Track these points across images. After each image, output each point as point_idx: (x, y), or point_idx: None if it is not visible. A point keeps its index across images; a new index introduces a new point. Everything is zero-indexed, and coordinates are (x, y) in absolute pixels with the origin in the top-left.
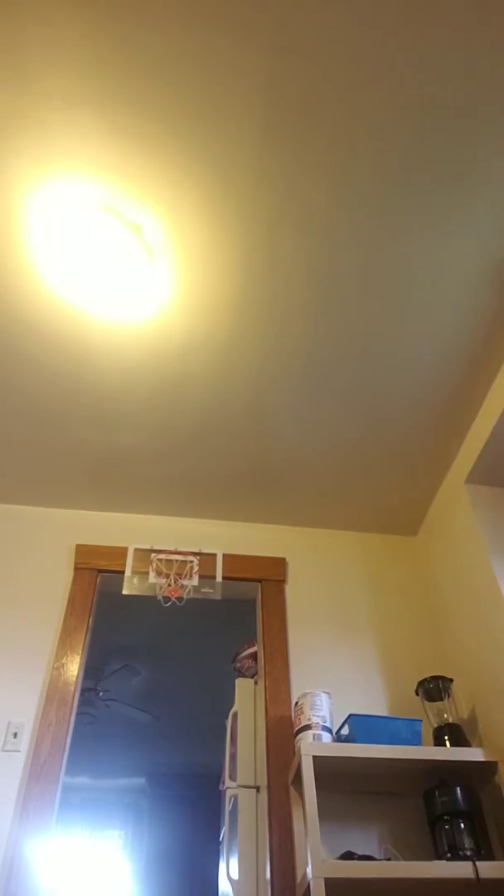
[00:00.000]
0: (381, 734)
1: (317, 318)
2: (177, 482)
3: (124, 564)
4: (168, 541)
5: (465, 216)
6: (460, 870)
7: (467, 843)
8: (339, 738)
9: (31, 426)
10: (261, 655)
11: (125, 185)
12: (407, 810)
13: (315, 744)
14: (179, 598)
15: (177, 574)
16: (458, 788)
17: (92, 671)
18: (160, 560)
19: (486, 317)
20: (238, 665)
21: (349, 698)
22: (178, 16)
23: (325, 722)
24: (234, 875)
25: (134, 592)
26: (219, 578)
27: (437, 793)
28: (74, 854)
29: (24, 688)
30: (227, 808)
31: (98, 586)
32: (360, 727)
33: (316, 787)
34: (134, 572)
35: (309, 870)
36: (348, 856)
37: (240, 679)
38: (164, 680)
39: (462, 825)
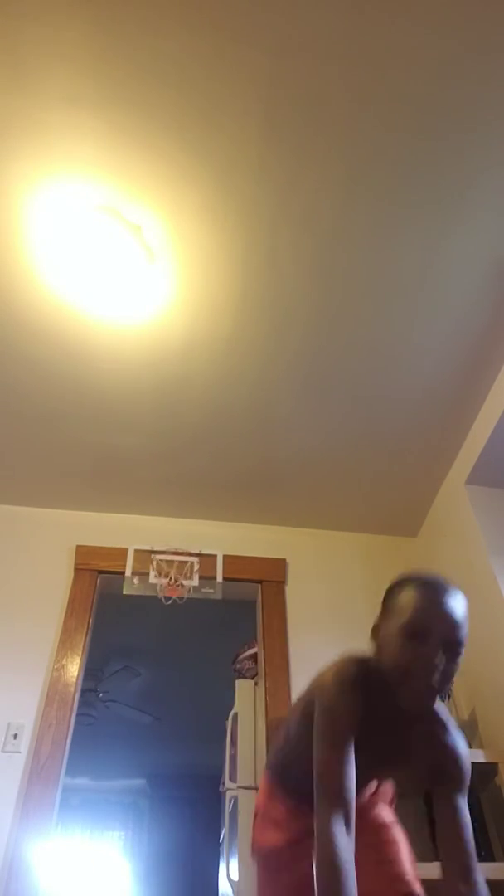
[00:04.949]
0: None
1: (318, 319)
2: (177, 483)
3: (124, 565)
4: (168, 541)
5: (468, 216)
6: None
7: None
8: None
9: (31, 427)
10: (261, 656)
11: (125, 186)
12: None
13: None
14: (180, 597)
15: (177, 574)
16: None
17: (92, 672)
18: (160, 560)
19: (487, 318)
20: (238, 666)
21: None
22: (178, 16)
23: None
24: (235, 876)
25: (134, 592)
26: (219, 579)
27: None
28: (74, 855)
29: (24, 689)
30: (228, 809)
31: (98, 587)
32: None
33: None
34: (134, 573)
35: None
36: None
37: (240, 680)
38: (164, 681)
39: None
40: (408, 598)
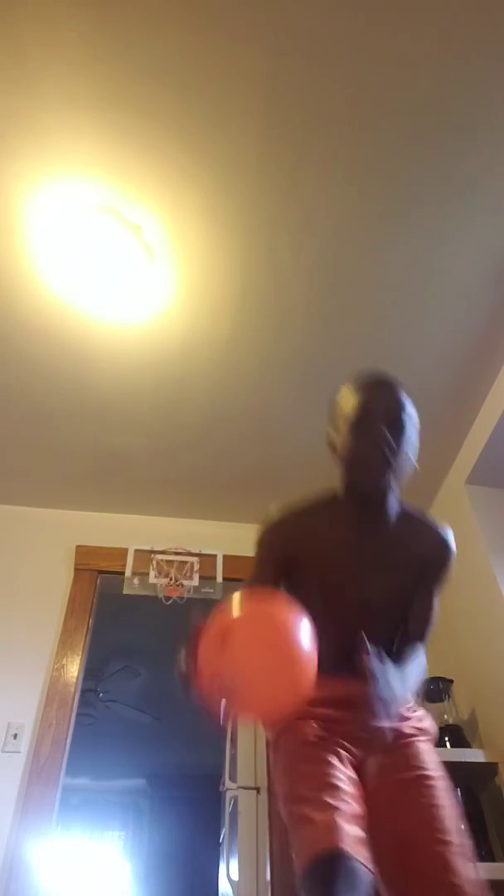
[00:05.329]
0: None
1: (317, 319)
2: (177, 483)
3: (124, 565)
4: (168, 541)
5: (467, 217)
6: None
7: None
8: None
9: (31, 427)
10: None
11: (125, 186)
12: None
13: None
14: (180, 597)
15: (177, 574)
16: (458, 790)
17: (92, 672)
18: (160, 560)
19: (486, 319)
20: None
21: None
22: (178, 17)
23: None
24: (235, 876)
25: (134, 592)
26: (219, 579)
27: None
28: (74, 855)
29: (24, 689)
30: (228, 809)
31: (98, 587)
32: None
33: None
34: (134, 573)
35: None
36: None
37: None
38: (164, 681)
39: (462, 826)
40: (347, 400)
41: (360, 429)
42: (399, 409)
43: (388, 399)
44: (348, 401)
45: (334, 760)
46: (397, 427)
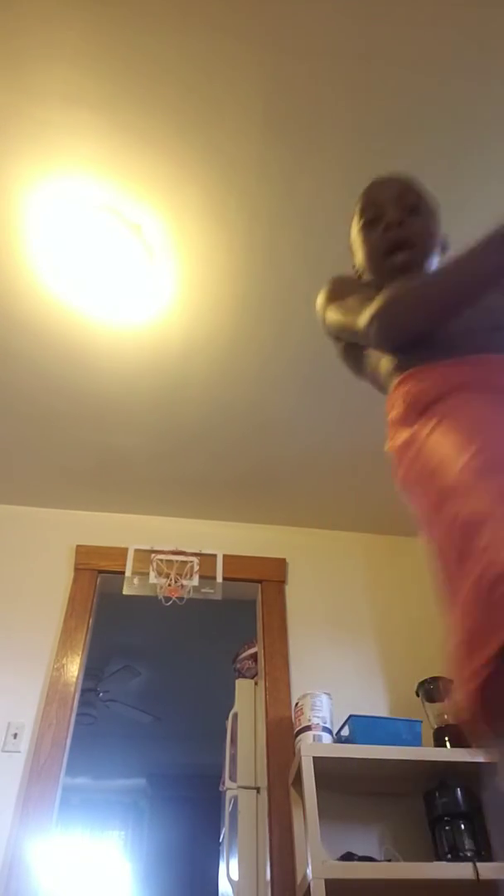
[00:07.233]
0: (381, 735)
1: (318, 318)
2: (177, 483)
3: (124, 565)
4: (168, 541)
5: (468, 217)
6: (461, 871)
7: (468, 844)
8: (339, 739)
9: (31, 427)
10: (261, 656)
11: (125, 185)
12: (407, 811)
13: (315, 745)
14: (180, 598)
15: (177, 574)
16: (459, 789)
17: (92, 672)
18: (160, 560)
19: None
20: (238, 666)
21: (349, 699)
22: (178, 15)
23: (325, 723)
24: (235, 876)
25: (134, 593)
26: (219, 579)
27: (437, 794)
28: (74, 855)
29: (24, 688)
30: (228, 808)
31: (98, 587)
32: (360, 728)
33: (316, 788)
34: (134, 573)
35: (309, 871)
36: (348, 857)
37: (240, 680)
38: (164, 680)
39: (462, 826)
40: (354, 220)
41: (374, 225)
42: (404, 185)
43: (390, 180)
44: (354, 219)
45: None
46: (410, 205)
